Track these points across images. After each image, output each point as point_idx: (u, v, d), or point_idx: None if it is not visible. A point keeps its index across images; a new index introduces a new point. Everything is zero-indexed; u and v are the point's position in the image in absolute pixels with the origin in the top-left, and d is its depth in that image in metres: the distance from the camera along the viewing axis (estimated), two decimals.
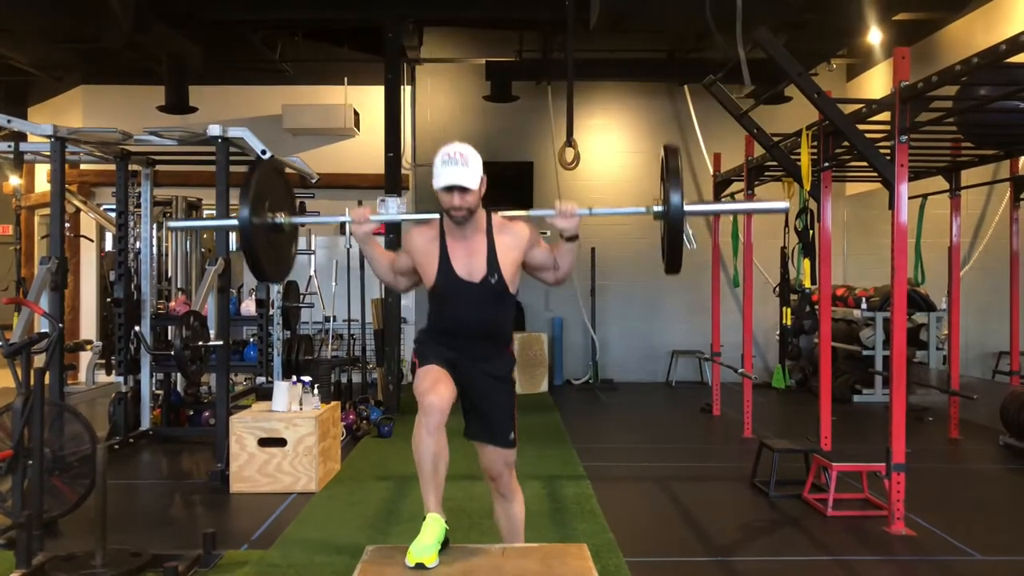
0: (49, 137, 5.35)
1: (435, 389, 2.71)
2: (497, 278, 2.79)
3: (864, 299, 8.79)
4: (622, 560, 3.80)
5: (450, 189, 2.68)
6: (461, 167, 2.67)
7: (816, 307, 5.35)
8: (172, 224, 3.21)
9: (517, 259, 2.85)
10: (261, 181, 3.01)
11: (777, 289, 8.55)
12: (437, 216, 2.85)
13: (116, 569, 3.48)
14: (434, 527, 2.58)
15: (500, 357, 2.91)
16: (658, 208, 2.85)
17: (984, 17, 7.86)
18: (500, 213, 2.87)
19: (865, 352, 8.62)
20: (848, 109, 4.80)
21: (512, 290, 2.86)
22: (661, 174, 2.99)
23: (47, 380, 4.38)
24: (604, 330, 10.38)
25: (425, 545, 2.53)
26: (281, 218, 3.08)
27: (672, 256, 2.85)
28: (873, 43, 8.53)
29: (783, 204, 3.16)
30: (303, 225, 3.50)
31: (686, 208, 2.73)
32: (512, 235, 2.85)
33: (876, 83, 9.71)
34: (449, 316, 2.85)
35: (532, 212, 2.93)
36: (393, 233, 7.66)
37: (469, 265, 2.79)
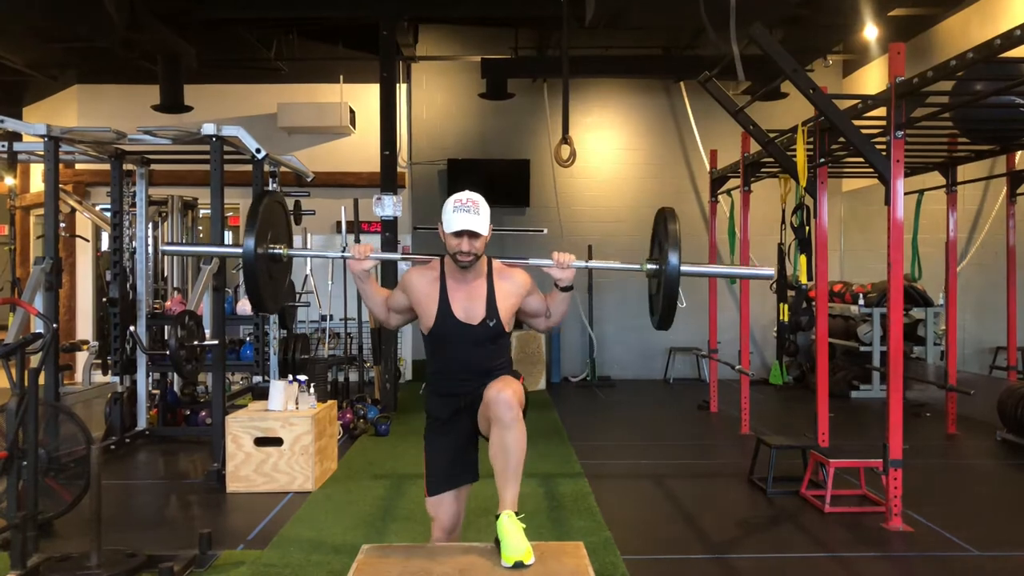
0: (43, 137, 5.34)
1: (441, 520, 2.89)
2: (495, 322, 2.87)
3: (861, 295, 8.79)
4: (619, 558, 3.79)
5: (461, 234, 2.75)
6: (473, 215, 2.75)
7: (813, 303, 5.34)
8: (166, 248, 3.12)
9: (515, 305, 2.94)
10: (266, 212, 3.03)
11: (774, 286, 8.55)
12: (437, 258, 2.92)
13: (111, 570, 3.47)
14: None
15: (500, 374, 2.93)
16: (652, 266, 2.96)
17: (979, 12, 7.85)
18: (500, 260, 2.97)
19: (862, 348, 8.62)
20: (844, 105, 4.79)
21: (507, 330, 2.94)
22: (654, 233, 3.10)
23: (42, 380, 4.36)
24: (601, 327, 10.38)
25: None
26: (280, 249, 3.10)
27: (666, 314, 2.94)
28: (869, 39, 8.53)
29: (768, 271, 3.26)
30: (298, 256, 3.49)
31: (682, 269, 2.82)
32: (511, 282, 2.93)
33: (872, 79, 9.71)
34: (447, 357, 2.93)
35: (531, 261, 3.00)
36: (389, 231, 7.66)
37: (468, 309, 2.86)
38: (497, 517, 2.57)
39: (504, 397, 2.66)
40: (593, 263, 3.02)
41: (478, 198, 2.81)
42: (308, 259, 8.54)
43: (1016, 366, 7.11)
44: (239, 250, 2.96)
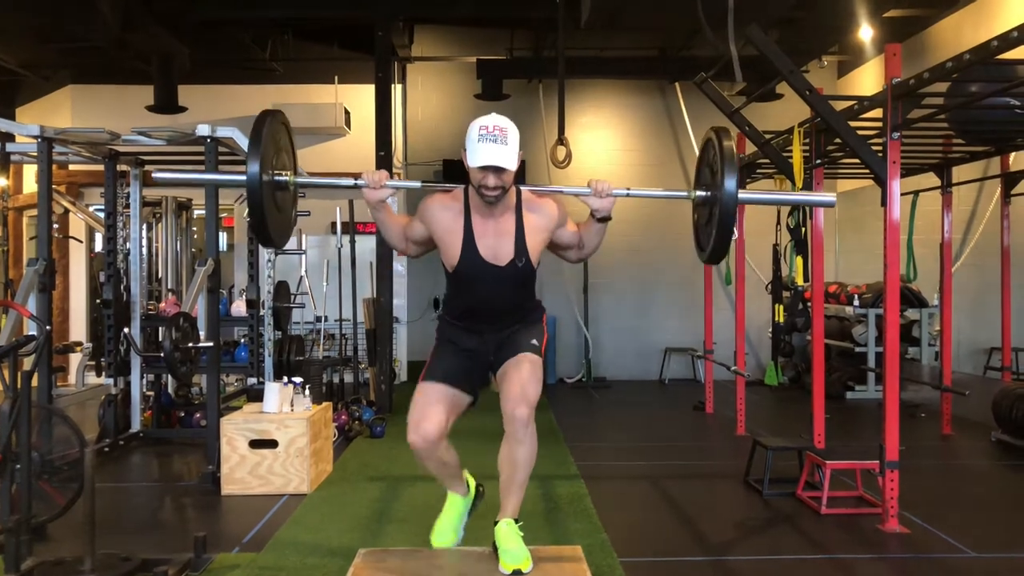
0: (36, 138, 5.31)
1: (420, 423, 2.63)
2: (524, 261, 2.63)
3: (856, 296, 8.80)
4: (616, 560, 3.78)
5: (486, 169, 2.49)
6: (500, 145, 2.47)
7: (809, 304, 5.34)
8: (159, 176, 2.81)
9: (545, 240, 2.70)
10: (271, 135, 2.73)
11: (769, 286, 8.56)
12: (460, 187, 2.67)
13: (106, 574, 3.45)
14: (449, 505, 2.61)
15: (527, 318, 2.76)
16: (703, 193, 2.67)
17: (973, 14, 7.86)
18: (529, 189, 2.70)
19: (858, 349, 8.62)
20: (840, 106, 4.79)
21: (536, 265, 2.71)
22: (702, 157, 2.80)
23: (35, 383, 4.34)
24: (597, 328, 10.37)
25: (441, 527, 2.54)
26: (286, 176, 2.83)
27: (720, 245, 2.65)
28: (864, 40, 8.54)
29: (831, 198, 3.05)
30: (307, 186, 3.23)
31: (740, 196, 2.55)
32: (541, 214, 2.67)
33: (867, 80, 9.72)
34: (471, 297, 2.69)
35: (566, 189, 2.76)
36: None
37: (495, 247, 2.61)
38: (496, 524, 2.57)
39: (521, 415, 2.59)
40: (635, 191, 2.73)
41: (506, 124, 2.53)
42: (302, 258, 8.51)
43: (1011, 367, 7.13)
44: (242, 177, 2.66)
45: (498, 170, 2.48)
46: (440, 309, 2.84)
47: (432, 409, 2.60)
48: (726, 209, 2.53)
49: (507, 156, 2.47)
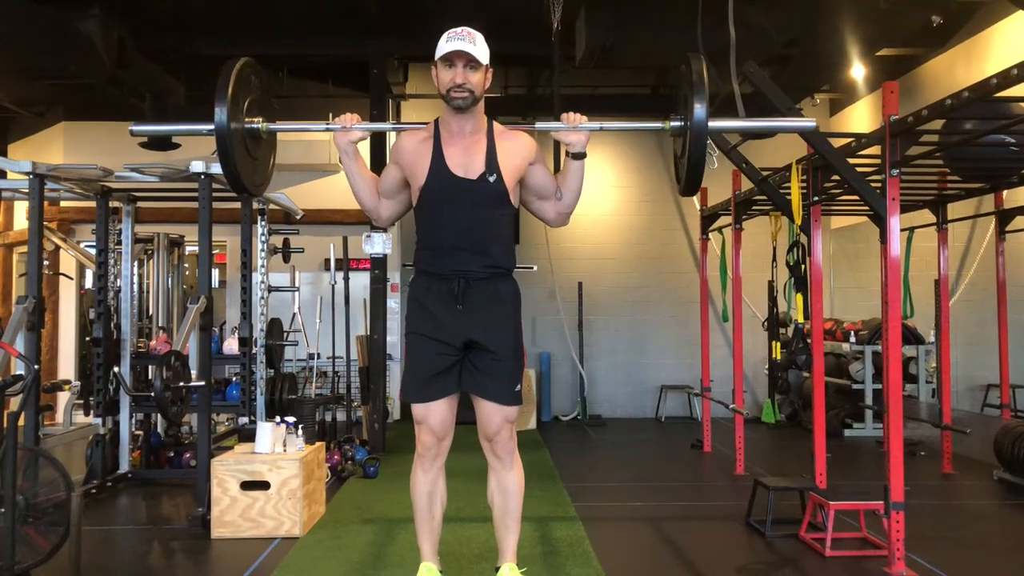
0: (28, 174, 5.26)
1: (428, 420, 2.54)
2: (496, 178, 2.53)
3: (853, 332, 8.77)
4: None
5: (453, 59, 2.43)
6: (468, 43, 2.45)
7: (809, 342, 5.29)
8: (135, 128, 2.82)
9: (519, 168, 2.60)
10: (239, 80, 2.72)
11: (765, 323, 8.53)
12: (431, 122, 2.64)
13: None
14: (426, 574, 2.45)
15: (501, 278, 2.63)
16: (676, 123, 2.59)
17: (965, 53, 7.94)
18: (503, 125, 2.64)
19: (855, 386, 8.57)
20: (837, 143, 4.79)
21: (513, 200, 2.60)
22: (678, 87, 2.72)
23: (21, 423, 4.24)
24: (592, 365, 10.29)
25: None
26: (259, 123, 2.80)
27: (692, 175, 2.55)
28: (856, 78, 8.62)
29: (810, 123, 2.97)
30: (280, 131, 3.20)
31: (711, 124, 2.45)
32: (515, 142, 2.60)
33: (859, 117, 9.79)
34: (442, 223, 2.57)
35: (538, 124, 2.68)
36: (379, 268, 7.58)
37: (466, 162, 2.54)
38: (498, 570, 2.48)
39: (505, 437, 2.60)
40: (608, 124, 2.64)
41: (475, 32, 2.52)
42: (294, 295, 8.44)
43: (1009, 404, 7.08)
44: (210, 126, 2.63)
45: (468, 60, 2.42)
46: (411, 283, 2.72)
47: (435, 411, 2.57)
48: (696, 136, 2.44)
49: (476, 50, 2.43)
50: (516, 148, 2.58)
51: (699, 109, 2.38)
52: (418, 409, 2.59)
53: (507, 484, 2.68)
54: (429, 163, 2.53)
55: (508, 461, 2.68)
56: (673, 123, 2.54)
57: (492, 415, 2.60)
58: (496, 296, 2.58)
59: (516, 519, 2.71)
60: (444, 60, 2.44)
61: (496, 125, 2.61)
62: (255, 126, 2.75)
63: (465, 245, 2.52)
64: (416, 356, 2.60)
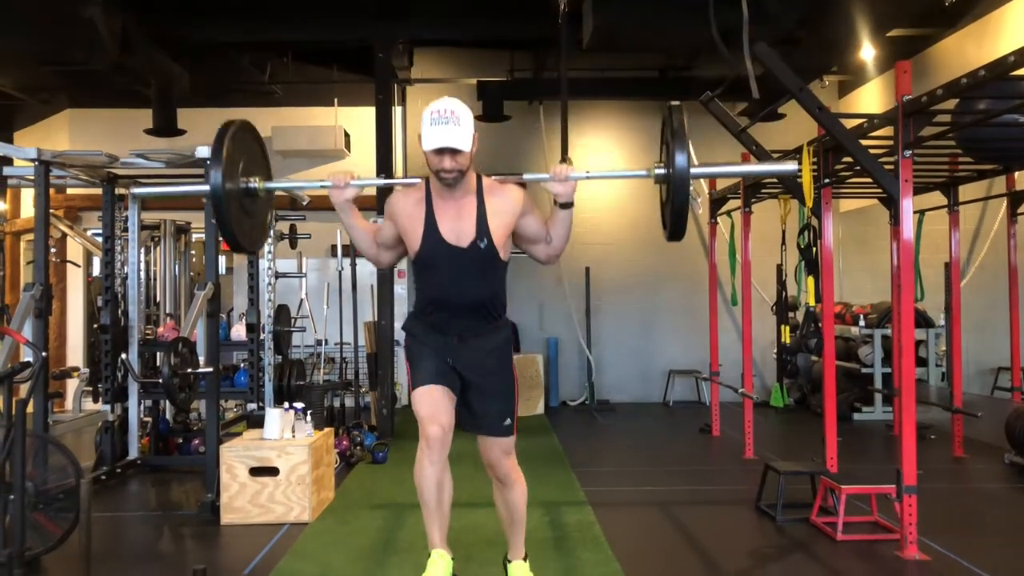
0: (33, 161, 5.24)
1: (435, 417, 2.57)
2: (487, 243, 2.60)
3: (862, 316, 8.72)
4: None
5: (441, 151, 2.50)
6: (452, 126, 2.49)
7: (820, 325, 5.25)
8: (136, 191, 3.05)
9: (509, 224, 2.66)
10: (233, 143, 2.78)
11: (774, 307, 8.48)
12: (422, 180, 2.68)
13: None
14: (439, 565, 2.44)
15: (494, 330, 2.71)
16: (660, 170, 2.65)
17: (976, 33, 7.85)
18: (492, 177, 2.70)
19: (864, 370, 8.53)
20: (849, 124, 4.73)
21: (503, 256, 2.67)
22: (662, 135, 2.79)
23: (30, 410, 4.23)
24: (599, 350, 10.27)
25: None
26: (255, 183, 2.86)
27: (675, 221, 2.65)
28: (865, 59, 8.52)
29: (792, 166, 3.06)
30: (277, 191, 3.28)
31: (692, 171, 2.54)
32: (504, 199, 2.66)
33: (868, 99, 9.70)
34: (436, 285, 2.65)
35: (526, 176, 2.76)
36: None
37: (457, 229, 2.60)
38: (509, 563, 2.51)
39: (505, 466, 2.78)
40: (596, 173, 2.74)
41: (457, 106, 2.56)
42: (302, 281, 8.42)
43: (1020, 387, 7.03)
44: (205, 188, 2.69)
45: (453, 152, 2.49)
46: (409, 317, 2.81)
47: (440, 403, 2.59)
48: (677, 184, 2.52)
49: (459, 137, 2.48)
50: (505, 206, 2.64)
51: (680, 158, 2.47)
52: (424, 402, 2.61)
53: (509, 498, 2.87)
54: (422, 230, 2.60)
55: (509, 481, 2.85)
56: (657, 171, 2.61)
57: (490, 447, 2.78)
58: (488, 345, 2.68)
59: (521, 523, 2.91)
60: (431, 150, 2.48)
61: (485, 181, 2.65)
62: (252, 186, 2.84)
63: (459, 304, 2.61)
64: (421, 355, 2.70)
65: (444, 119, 2.49)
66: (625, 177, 2.83)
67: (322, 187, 2.81)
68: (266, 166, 3.11)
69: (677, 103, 2.73)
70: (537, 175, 2.63)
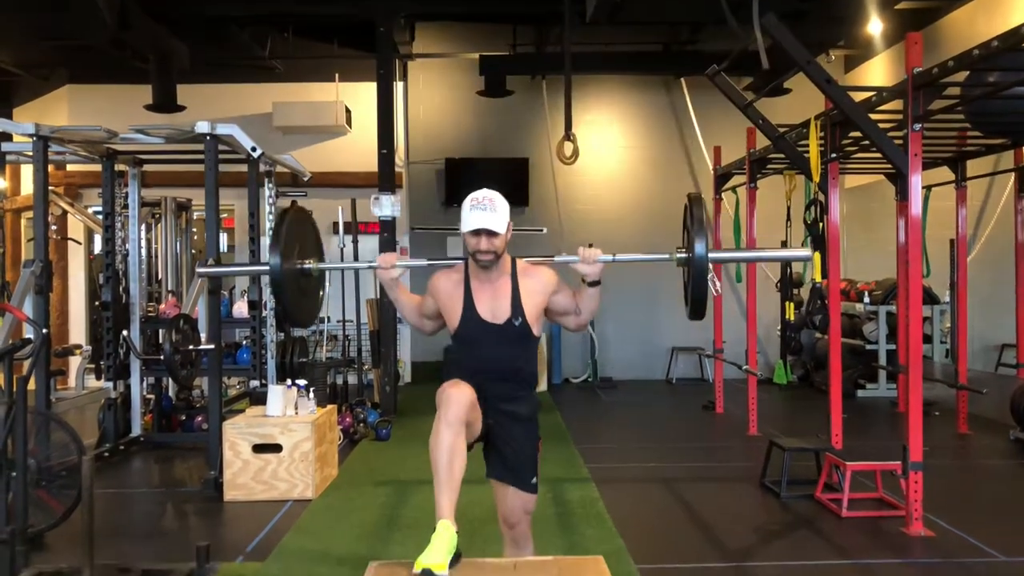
0: (31, 136, 5.19)
1: (458, 386, 2.67)
2: (521, 321, 2.85)
3: (867, 292, 8.68)
4: (634, 568, 3.66)
5: (478, 233, 2.73)
6: (490, 212, 2.73)
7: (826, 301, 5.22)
8: (201, 270, 3.57)
9: (541, 303, 2.90)
10: (291, 228, 3.10)
11: (778, 284, 8.43)
12: (462, 262, 2.93)
13: None
14: (444, 537, 2.41)
15: (525, 399, 2.95)
16: (681, 255, 2.92)
17: (984, 6, 7.74)
18: (525, 260, 2.95)
19: (868, 346, 8.50)
20: (857, 98, 4.66)
21: (536, 332, 2.91)
22: (684, 221, 3.04)
23: (32, 387, 4.22)
24: (602, 327, 10.23)
25: (434, 558, 2.36)
26: (310, 264, 3.16)
27: (696, 303, 2.89)
28: (872, 33, 8.41)
29: (806, 252, 3.46)
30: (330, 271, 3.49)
31: (710, 256, 2.79)
32: (537, 280, 2.89)
33: (875, 74, 9.59)
34: (473, 357, 2.89)
35: (557, 258, 2.99)
36: (388, 232, 7.51)
37: (493, 308, 2.85)
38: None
39: (523, 525, 2.92)
40: (620, 256, 2.95)
41: (495, 195, 2.78)
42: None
43: None
44: (266, 267, 3.00)
45: (489, 233, 2.72)
46: (450, 366, 3.08)
47: (465, 385, 2.70)
48: (697, 271, 2.79)
49: (495, 220, 2.72)
50: (538, 287, 2.89)
51: (699, 246, 2.74)
52: (450, 386, 2.72)
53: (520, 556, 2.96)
54: (461, 309, 2.87)
55: (523, 544, 2.98)
56: (678, 255, 2.90)
57: (515, 505, 2.93)
58: (518, 413, 2.94)
59: None
60: (469, 232, 2.76)
61: (519, 264, 2.92)
62: (307, 267, 3.15)
63: (494, 371, 2.87)
64: (459, 374, 2.91)
65: (482, 206, 2.73)
66: (649, 261, 3.04)
67: (370, 267, 3.08)
68: (319, 247, 3.45)
69: (697, 194, 2.97)
70: (567, 257, 2.88)
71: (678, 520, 4.51)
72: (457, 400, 2.61)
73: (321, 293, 3.57)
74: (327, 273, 3.54)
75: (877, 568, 3.71)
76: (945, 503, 4.53)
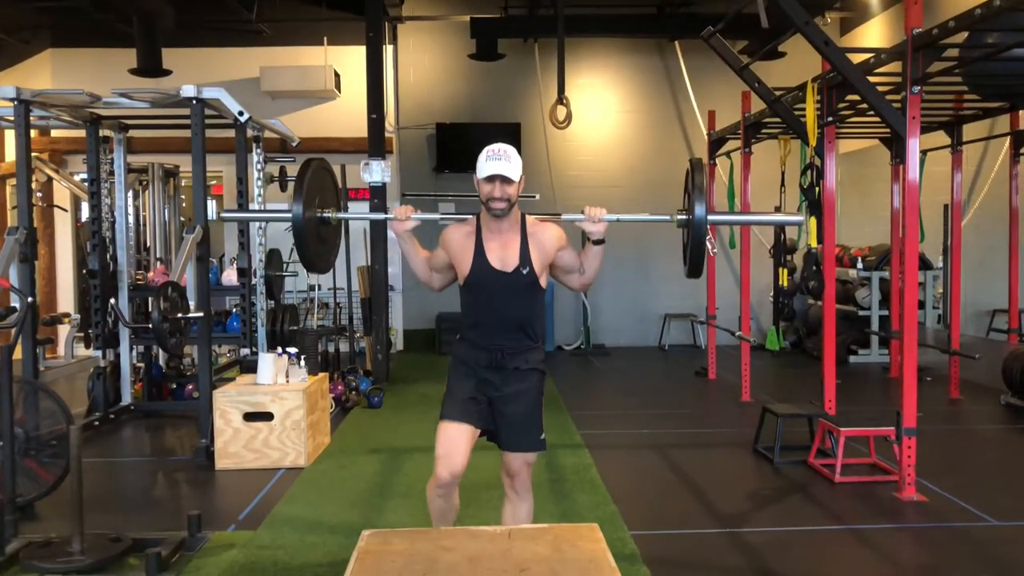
0: (12, 100, 5.08)
1: (449, 458, 2.85)
2: (528, 270, 2.95)
3: (860, 258, 8.66)
4: (627, 533, 3.65)
5: (492, 178, 2.84)
6: (504, 161, 2.85)
7: (820, 267, 5.18)
8: (226, 215, 3.65)
9: (548, 256, 3.01)
10: (313, 178, 3.23)
11: (772, 250, 8.40)
12: (473, 216, 3.05)
13: (95, 556, 3.30)
14: None
15: (532, 348, 3.03)
16: (681, 217, 3.06)
17: None
18: (533, 216, 3.06)
19: (861, 312, 8.50)
20: (856, 60, 4.58)
21: (542, 283, 3.00)
22: (686, 185, 3.16)
23: (18, 356, 4.16)
24: (595, 295, 10.19)
25: None
26: (329, 213, 3.30)
27: (694, 261, 3.05)
28: None
29: (799, 218, 3.55)
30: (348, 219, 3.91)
31: (709, 218, 2.95)
32: (545, 235, 3.01)
33: (871, 38, 9.48)
34: (481, 304, 3.00)
35: (564, 216, 3.12)
36: (378, 198, 7.42)
37: (503, 257, 2.95)
38: None
39: (524, 476, 3.00)
40: (625, 216, 3.10)
41: (509, 148, 2.91)
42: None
43: (1018, 329, 7.00)
44: (288, 214, 3.14)
45: (504, 179, 2.84)
46: (456, 342, 3.16)
47: (457, 444, 2.87)
48: (696, 233, 2.96)
49: (510, 169, 2.85)
50: (545, 241, 3.00)
51: (699, 209, 2.93)
52: (442, 440, 2.90)
53: (519, 513, 3.05)
54: (472, 257, 2.97)
55: (523, 495, 3.05)
56: (679, 217, 3.07)
57: (514, 459, 3.00)
58: (526, 366, 3.01)
59: None
60: (484, 178, 2.87)
61: (528, 219, 3.03)
62: (327, 216, 3.30)
63: (503, 323, 2.97)
64: (457, 381, 3.03)
65: (497, 156, 2.86)
66: (652, 222, 3.16)
67: (385, 219, 3.16)
68: (337, 197, 3.56)
69: (699, 160, 3.11)
70: (573, 215, 3.01)
71: (671, 486, 4.51)
72: (448, 481, 2.82)
73: (338, 239, 3.74)
74: (341, 225, 3.70)
75: (870, 533, 3.71)
76: (937, 468, 4.55)
